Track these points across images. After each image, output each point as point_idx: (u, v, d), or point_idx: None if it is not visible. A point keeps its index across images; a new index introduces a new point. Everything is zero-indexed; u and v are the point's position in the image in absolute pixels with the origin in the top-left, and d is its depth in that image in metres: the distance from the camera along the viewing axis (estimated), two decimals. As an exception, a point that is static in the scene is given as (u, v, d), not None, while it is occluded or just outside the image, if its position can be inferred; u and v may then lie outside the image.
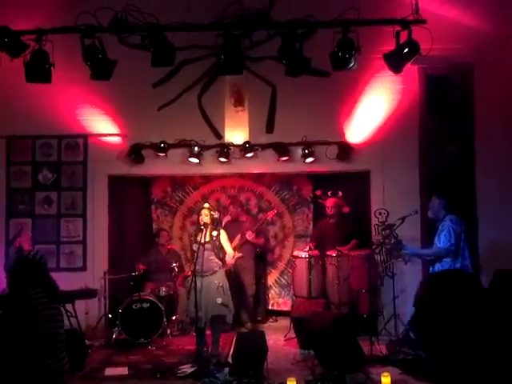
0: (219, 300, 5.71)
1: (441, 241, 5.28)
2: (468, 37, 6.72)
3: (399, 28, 5.10)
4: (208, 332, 5.92)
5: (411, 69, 6.68)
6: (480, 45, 6.75)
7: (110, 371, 5.47)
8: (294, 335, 6.41)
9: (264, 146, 7.16)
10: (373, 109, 7.10)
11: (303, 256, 6.85)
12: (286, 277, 8.06)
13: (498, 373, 1.49)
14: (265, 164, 7.26)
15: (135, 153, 7.14)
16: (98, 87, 6.45)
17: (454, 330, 1.48)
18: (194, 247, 5.77)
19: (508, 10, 6.26)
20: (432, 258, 5.44)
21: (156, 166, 7.28)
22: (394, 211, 6.42)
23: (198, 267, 5.64)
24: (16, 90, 6.70)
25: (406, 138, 7.01)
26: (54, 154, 7.29)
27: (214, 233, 5.88)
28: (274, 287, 8.16)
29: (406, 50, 5.09)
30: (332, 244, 6.91)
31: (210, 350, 5.84)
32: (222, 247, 5.91)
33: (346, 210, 7.23)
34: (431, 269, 5.42)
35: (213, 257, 5.83)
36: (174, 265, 7.00)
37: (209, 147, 7.17)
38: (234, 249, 7.17)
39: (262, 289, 7.88)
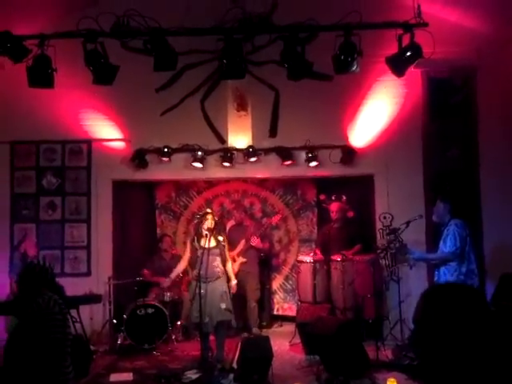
0: (223, 305, 5.70)
1: (446, 245, 5.26)
2: (470, 39, 6.70)
3: (401, 31, 5.10)
4: (212, 337, 5.90)
5: (414, 72, 6.68)
6: (482, 47, 6.74)
7: (114, 377, 5.46)
8: (299, 340, 6.37)
9: (267, 151, 7.15)
10: (376, 112, 7.09)
11: (308, 261, 6.82)
12: (290, 282, 8.03)
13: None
14: (268, 168, 7.25)
15: (139, 158, 7.14)
16: (101, 92, 6.47)
17: (456, 348, 1.45)
18: (199, 253, 5.75)
19: (509, 13, 6.24)
20: (438, 262, 5.42)
21: (160, 171, 7.28)
22: (399, 215, 6.38)
23: (201, 272, 5.62)
24: (19, 95, 6.73)
25: (409, 142, 7.00)
26: (58, 159, 7.30)
27: (221, 238, 5.88)
28: (278, 292, 8.13)
29: (409, 53, 5.09)
30: (336, 248, 6.87)
31: (214, 356, 5.82)
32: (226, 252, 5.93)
33: (351, 214, 7.19)
34: (436, 272, 5.39)
35: (217, 262, 5.82)
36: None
37: (212, 152, 7.16)
38: (239, 254, 7.19)
39: (266, 294, 7.85)
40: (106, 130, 7.28)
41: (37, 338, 3.33)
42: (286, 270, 8.12)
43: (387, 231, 6.21)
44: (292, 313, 7.72)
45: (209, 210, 6.05)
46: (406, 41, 5.15)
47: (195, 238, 5.91)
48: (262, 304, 7.63)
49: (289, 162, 7.10)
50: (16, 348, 3.36)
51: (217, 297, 5.69)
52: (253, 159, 7.09)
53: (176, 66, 5.32)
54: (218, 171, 7.27)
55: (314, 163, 7.04)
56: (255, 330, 7.16)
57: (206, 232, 5.77)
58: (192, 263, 5.98)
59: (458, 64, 6.89)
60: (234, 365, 5.54)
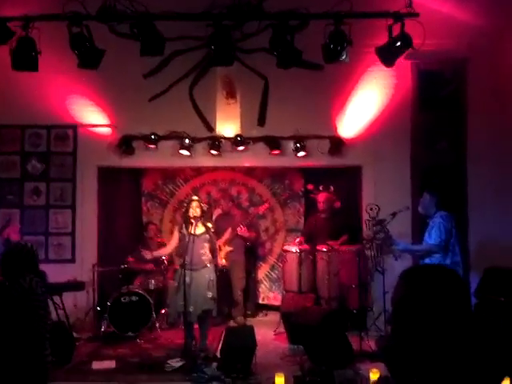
0: (209, 294, 5.68)
1: (431, 237, 5.28)
2: (461, 32, 6.67)
3: (392, 21, 5.06)
4: (196, 326, 5.88)
5: (404, 64, 6.66)
6: (473, 40, 6.72)
7: (97, 364, 5.42)
8: (283, 330, 6.38)
9: (256, 140, 7.10)
10: (365, 103, 7.05)
11: (294, 250, 6.81)
12: (276, 271, 8.03)
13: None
14: (256, 157, 7.21)
15: (125, 144, 7.06)
16: (88, 77, 6.38)
17: (431, 330, 1.42)
18: (186, 239, 5.70)
19: (501, 6, 6.23)
20: (422, 253, 5.44)
21: (146, 158, 7.20)
22: (386, 206, 6.37)
23: (187, 260, 5.59)
24: (4, 79, 6.61)
25: (398, 134, 6.98)
26: (43, 145, 7.20)
27: (209, 224, 5.85)
28: (264, 281, 8.13)
29: (399, 43, 5.08)
30: (323, 239, 6.86)
31: (198, 345, 5.80)
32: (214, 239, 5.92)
33: (338, 204, 7.19)
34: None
35: (204, 250, 5.78)
36: (163, 258, 6.93)
37: (200, 139, 7.10)
38: (225, 243, 7.17)
39: (252, 283, 7.84)
40: (92, 116, 7.16)
41: (18, 320, 3.29)
42: (271, 259, 8.12)
43: (373, 222, 6.21)
44: (277, 302, 7.71)
45: (195, 197, 6.01)
46: (396, 31, 5.12)
47: (183, 225, 5.88)
48: (247, 293, 7.62)
49: (277, 152, 7.06)
50: None
51: (203, 285, 5.67)
52: (241, 148, 7.04)
53: (163, 52, 5.26)
54: (206, 159, 7.21)
55: (302, 153, 7.01)
56: (240, 319, 7.16)
57: (192, 220, 5.73)
58: (178, 251, 5.94)
59: (448, 56, 6.87)
60: (218, 354, 5.53)
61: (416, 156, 7.03)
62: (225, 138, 7.11)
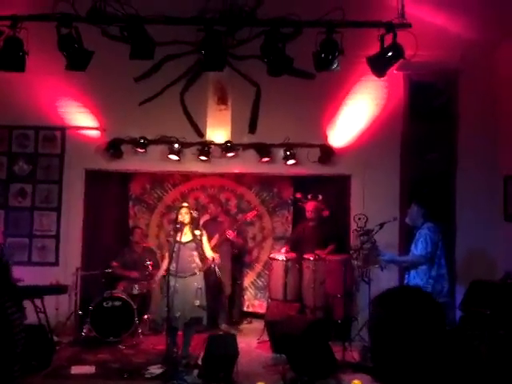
0: (197, 302, 5.61)
1: (418, 248, 5.26)
2: (453, 44, 6.69)
3: (384, 31, 5.06)
4: (180, 333, 5.80)
5: (396, 74, 6.68)
6: (465, 52, 6.74)
7: (76, 369, 5.36)
8: (267, 338, 6.32)
9: (246, 146, 7.07)
10: (356, 113, 7.05)
11: (280, 259, 6.77)
12: (262, 279, 7.96)
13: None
14: (246, 164, 7.17)
15: (114, 147, 7.00)
16: (78, 79, 6.34)
17: (407, 353, 1.41)
18: (175, 247, 5.63)
19: (493, 19, 6.25)
20: (408, 265, 5.41)
21: (135, 162, 7.14)
22: (374, 216, 6.36)
23: (173, 266, 5.52)
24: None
25: (388, 144, 6.97)
26: (31, 146, 7.12)
27: (197, 232, 5.79)
28: (250, 289, 8.06)
29: (390, 53, 5.06)
30: (310, 247, 6.84)
31: (180, 352, 5.73)
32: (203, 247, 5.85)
33: (326, 213, 7.16)
34: (407, 276, 5.41)
35: (193, 257, 5.72)
36: (148, 263, 6.86)
37: (189, 145, 7.05)
38: (212, 249, 7.09)
39: (237, 290, 7.78)
40: (81, 118, 7.10)
41: None
42: (258, 266, 8.06)
43: (361, 232, 6.19)
44: (262, 310, 7.64)
45: (185, 204, 5.96)
46: (388, 41, 5.12)
47: (171, 232, 5.81)
48: (232, 300, 7.56)
49: (267, 159, 7.02)
50: None
51: (191, 293, 5.61)
52: (230, 154, 7.00)
53: (153, 55, 5.21)
54: (195, 165, 7.16)
55: (291, 161, 6.98)
56: (224, 327, 7.09)
57: (178, 225, 5.68)
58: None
59: (440, 68, 6.89)
60: (199, 361, 5.46)
61: (405, 167, 7.02)
62: (215, 144, 7.07)
